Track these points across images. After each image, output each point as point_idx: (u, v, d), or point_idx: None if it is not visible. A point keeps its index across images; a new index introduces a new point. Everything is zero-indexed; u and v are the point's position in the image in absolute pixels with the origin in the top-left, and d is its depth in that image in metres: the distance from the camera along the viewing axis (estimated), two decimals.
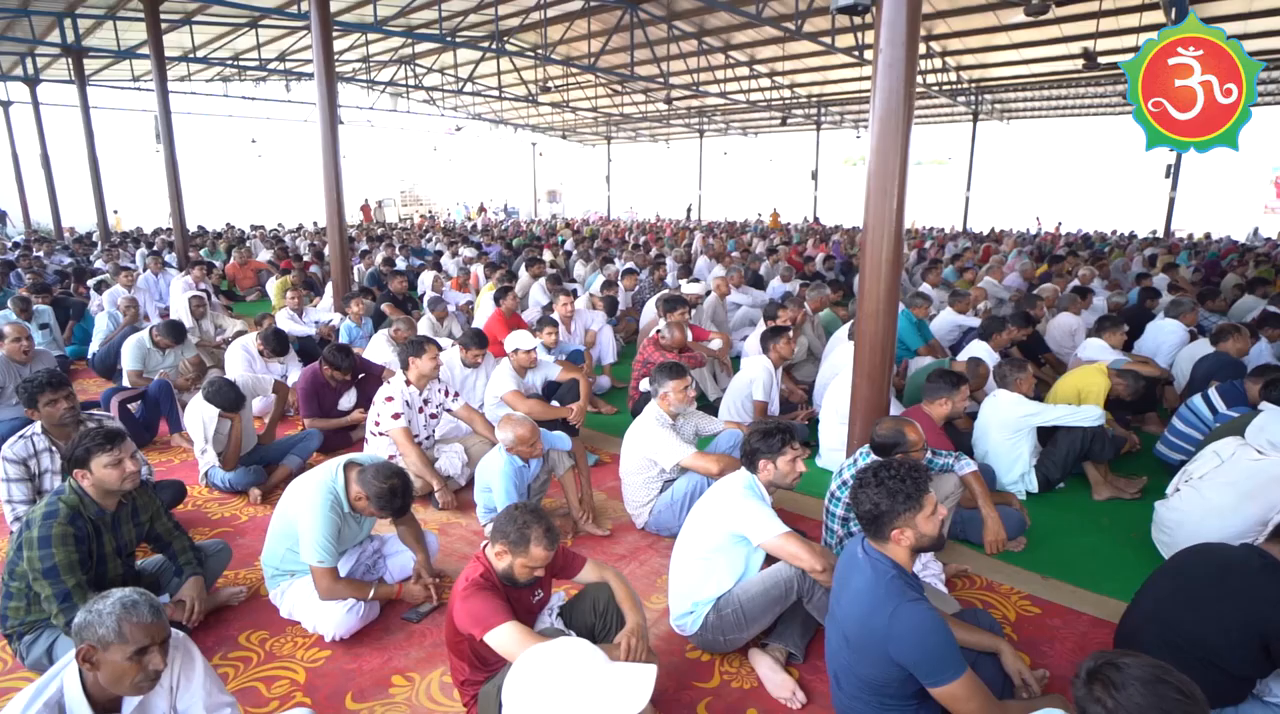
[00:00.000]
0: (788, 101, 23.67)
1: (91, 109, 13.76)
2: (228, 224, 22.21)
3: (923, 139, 31.29)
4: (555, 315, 5.80)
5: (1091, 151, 31.55)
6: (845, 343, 5.23)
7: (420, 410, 4.08)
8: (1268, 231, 23.06)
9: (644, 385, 4.98)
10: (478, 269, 10.19)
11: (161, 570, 2.88)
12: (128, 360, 5.42)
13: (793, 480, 2.71)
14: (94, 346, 6.58)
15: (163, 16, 10.99)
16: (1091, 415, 3.90)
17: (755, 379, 4.62)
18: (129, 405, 4.79)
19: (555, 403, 4.64)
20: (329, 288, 8.56)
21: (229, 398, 3.85)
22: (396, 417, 3.88)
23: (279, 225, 22.64)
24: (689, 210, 30.96)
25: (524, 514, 2.12)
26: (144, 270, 9.86)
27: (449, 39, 15.13)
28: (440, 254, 14.51)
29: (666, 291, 6.83)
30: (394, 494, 2.68)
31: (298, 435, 4.35)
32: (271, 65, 18.36)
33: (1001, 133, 26.84)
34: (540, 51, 16.00)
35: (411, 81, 21.36)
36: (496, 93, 20.58)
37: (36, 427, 3.27)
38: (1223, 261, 13.56)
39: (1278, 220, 25.50)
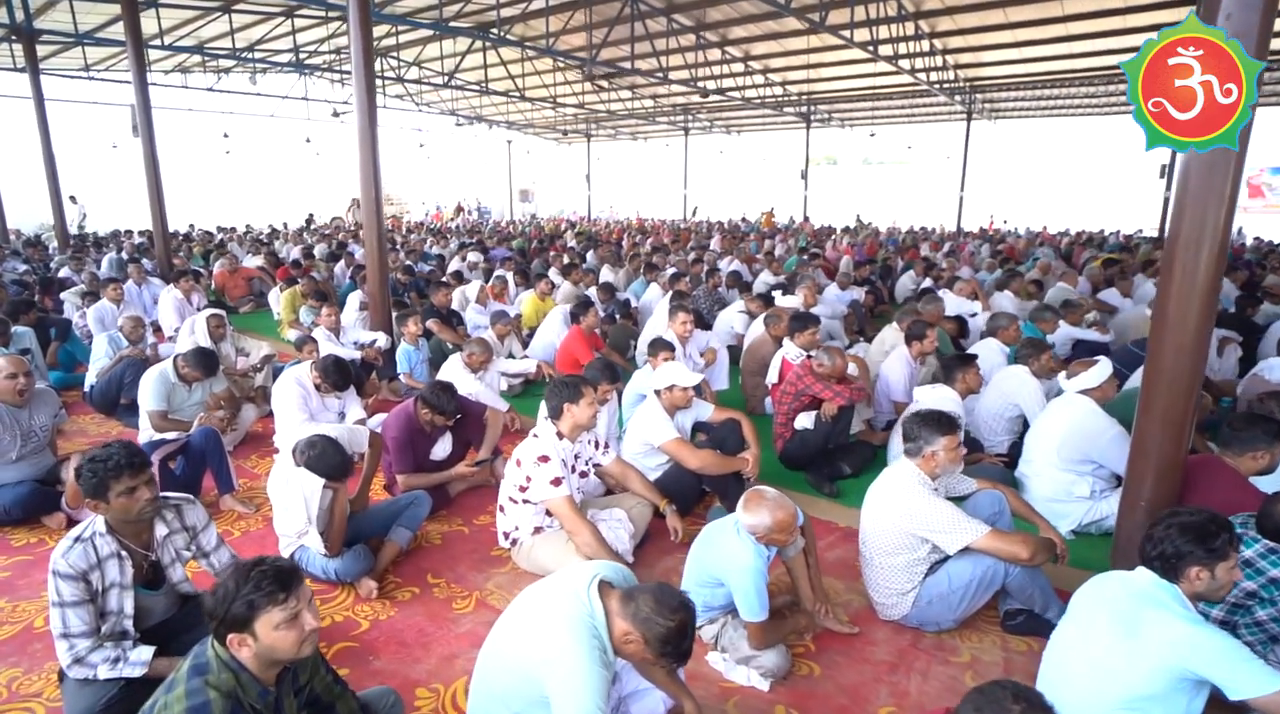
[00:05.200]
0: (779, 99, 23.15)
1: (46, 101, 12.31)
2: (191, 225, 20.62)
3: (901, 137, 31.23)
4: (671, 336, 4.95)
5: (1076, 151, 31.94)
6: (1012, 368, 4.53)
7: (572, 469, 3.22)
8: (1250, 231, 23.42)
9: (800, 422, 4.20)
10: (505, 275, 9.23)
11: None
12: (149, 399, 4.38)
13: (1225, 593, 1.97)
14: (90, 376, 5.47)
15: None
16: None
17: None
18: (169, 461, 3.80)
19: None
20: (350, 301, 7.52)
21: (335, 463, 2.92)
22: (557, 482, 3.01)
23: (248, 227, 21.09)
24: (694, 211, 30.31)
25: (1014, 699, 1.33)
26: (122, 281, 8.65)
27: (443, 27, 14.09)
28: (442, 258, 13.49)
29: (793, 308, 5.89)
30: (684, 634, 1.83)
31: (403, 500, 3.41)
32: (245, 55, 16.96)
33: (989, 132, 26.82)
34: (531, 43, 15.14)
35: (391, 74, 20.12)
36: (483, 87, 19.48)
37: (98, 524, 2.30)
38: (1240, 260, 13.41)
39: (1257, 219, 26.05)
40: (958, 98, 21.34)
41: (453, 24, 15.01)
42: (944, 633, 2.80)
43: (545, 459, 3.03)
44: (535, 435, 3.16)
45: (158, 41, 14.79)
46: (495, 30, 13.76)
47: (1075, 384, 3.70)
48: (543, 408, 4.13)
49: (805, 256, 11.59)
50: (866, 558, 2.86)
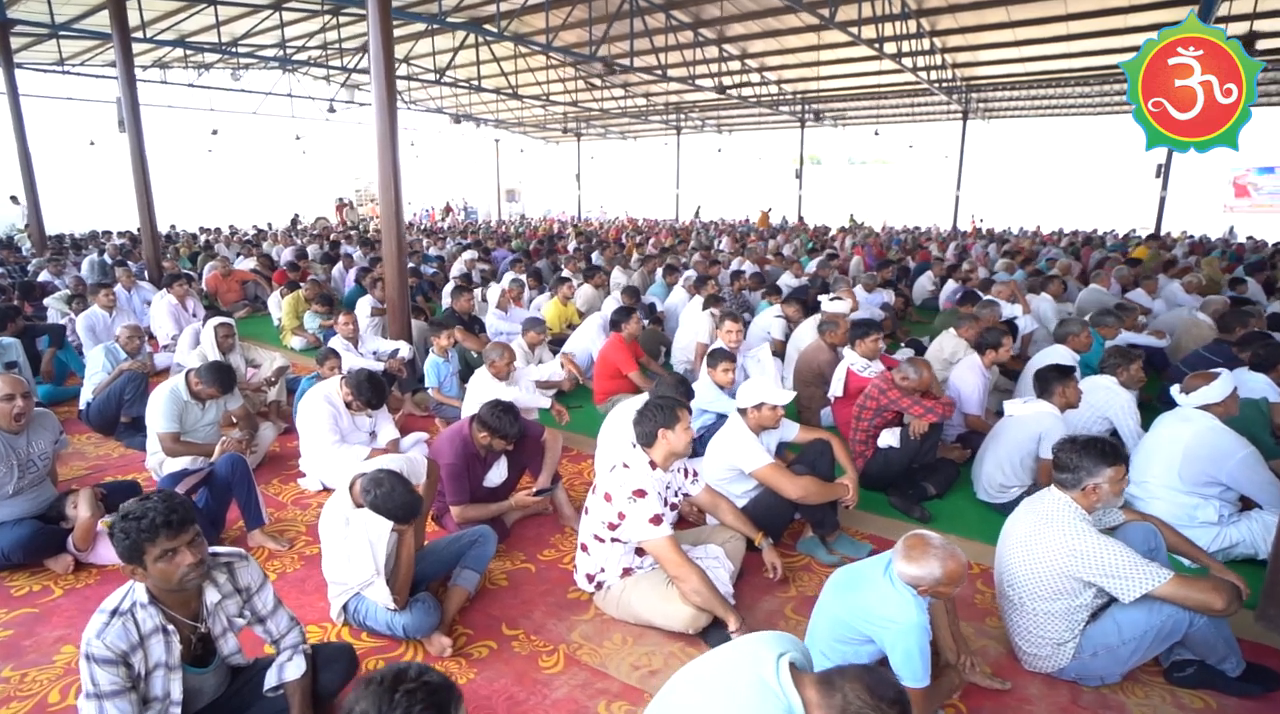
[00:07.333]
0: (775, 98, 22.90)
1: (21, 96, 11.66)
2: (172, 226, 19.89)
3: (894, 137, 31.16)
4: (722, 345, 4.59)
5: (1068, 151, 32.08)
6: (1098, 379, 4.23)
7: (664, 501, 2.84)
8: (1239, 231, 23.56)
9: (885, 439, 3.86)
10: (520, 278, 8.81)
11: None
12: (161, 420, 3.93)
13: None
14: (86, 391, 4.98)
15: None
16: None
17: (1046, 433, 3.54)
18: (191, 494, 3.36)
19: None
20: (360, 306, 7.07)
21: (405, 503, 2.51)
22: (657, 520, 2.64)
23: (232, 227, 20.39)
24: (698, 211, 30.01)
25: None
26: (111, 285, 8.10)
27: (440, 21, 13.62)
28: (442, 260, 13.05)
29: (844, 313, 5.53)
30: None
31: (465, 537, 2.99)
32: (230, 50, 16.33)
33: (982, 131, 26.79)
34: (528, 39, 14.71)
35: None
36: (474, 85, 18.96)
37: (138, 592, 1.89)
38: (1259, 260, 13.33)
39: (1244, 219, 26.26)
40: (954, 97, 21.25)
41: (450, 19, 14.55)
42: (1105, 687, 2.47)
43: (642, 494, 2.65)
44: (625, 465, 2.78)
45: (139, 34, 14.14)
46: (492, 25, 13.33)
47: (1194, 399, 3.39)
48: (605, 429, 3.80)
49: (823, 257, 11.24)
50: (1014, 602, 2.51)
